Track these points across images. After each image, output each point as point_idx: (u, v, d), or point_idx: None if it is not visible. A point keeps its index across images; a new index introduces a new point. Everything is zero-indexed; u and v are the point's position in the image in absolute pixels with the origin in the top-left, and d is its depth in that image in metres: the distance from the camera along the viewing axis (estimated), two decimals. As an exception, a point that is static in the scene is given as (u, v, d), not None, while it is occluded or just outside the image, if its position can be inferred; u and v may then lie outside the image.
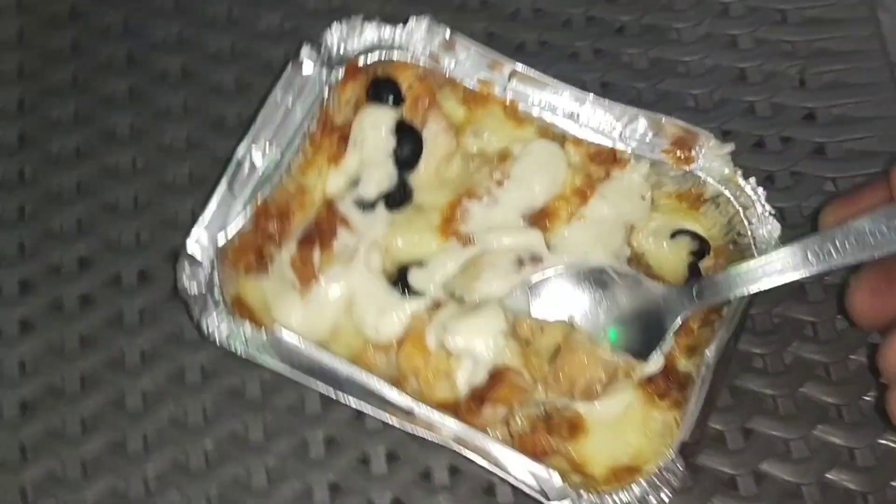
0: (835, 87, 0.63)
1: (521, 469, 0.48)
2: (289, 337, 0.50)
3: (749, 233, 0.53)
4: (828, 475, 0.53)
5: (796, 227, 0.57)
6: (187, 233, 0.52)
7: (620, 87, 0.62)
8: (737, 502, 0.52)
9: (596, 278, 0.52)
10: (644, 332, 0.51)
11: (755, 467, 0.53)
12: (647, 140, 0.55)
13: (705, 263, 0.54)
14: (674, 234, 0.55)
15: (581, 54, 0.64)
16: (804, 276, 0.46)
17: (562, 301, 0.52)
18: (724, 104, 0.62)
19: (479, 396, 0.50)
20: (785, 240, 0.51)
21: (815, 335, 0.56)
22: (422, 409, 0.48)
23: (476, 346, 0.50)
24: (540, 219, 0.54)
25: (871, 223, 0.44)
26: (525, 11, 0.66)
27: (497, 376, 0.50)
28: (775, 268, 0.47)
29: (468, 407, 0.50)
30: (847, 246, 0.45)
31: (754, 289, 0.48)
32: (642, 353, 0.50)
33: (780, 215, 0.53)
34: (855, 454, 0.53)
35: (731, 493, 0.52)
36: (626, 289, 0.52)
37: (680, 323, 0.50)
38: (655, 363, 0.50)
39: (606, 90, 0.62)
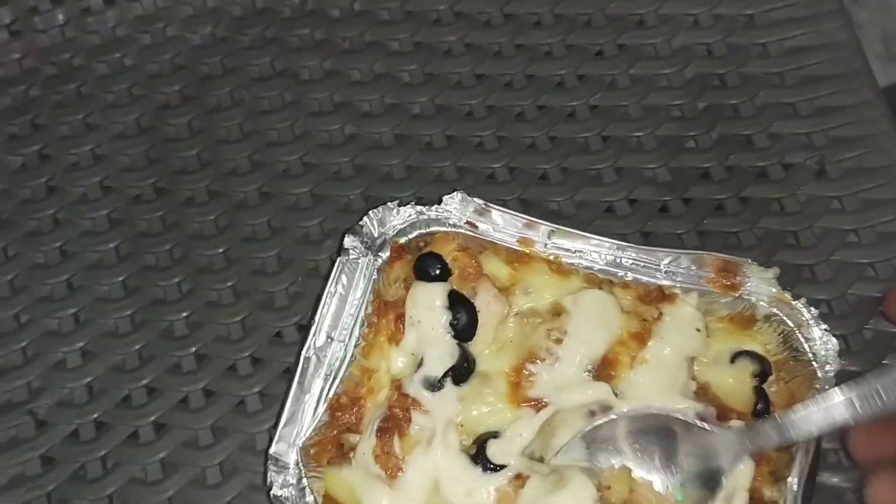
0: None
1: None
2: None
3: (806, 348, 0.54)
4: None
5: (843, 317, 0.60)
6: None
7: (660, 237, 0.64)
8: None
9: (648, 426, 0.53)
10: (704, 477, 0.52)
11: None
12: (692, 272, 0.56)
13: (771, 385, 0.55)
14: (733, 359, 0.56)
15: (616, 208, 0.65)
16: (851, 422, 0.48)
17: (616, 450, 0.54)
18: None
19: None
20: (842, 354, 0.54)
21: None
22: None
23: None
24: (604, 369, 0.55)
25: None
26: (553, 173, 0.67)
27: None
28: (822, 417, 0.49)
29: None
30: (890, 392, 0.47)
31: (803, 437, 0.50)
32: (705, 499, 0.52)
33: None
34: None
35: None
36: (679, 434, 0.53)
37: (741, 466, 0.52)
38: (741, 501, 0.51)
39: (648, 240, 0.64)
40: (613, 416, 0.54)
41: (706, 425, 0.53)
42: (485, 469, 0.53)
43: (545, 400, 0.54)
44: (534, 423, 0.54)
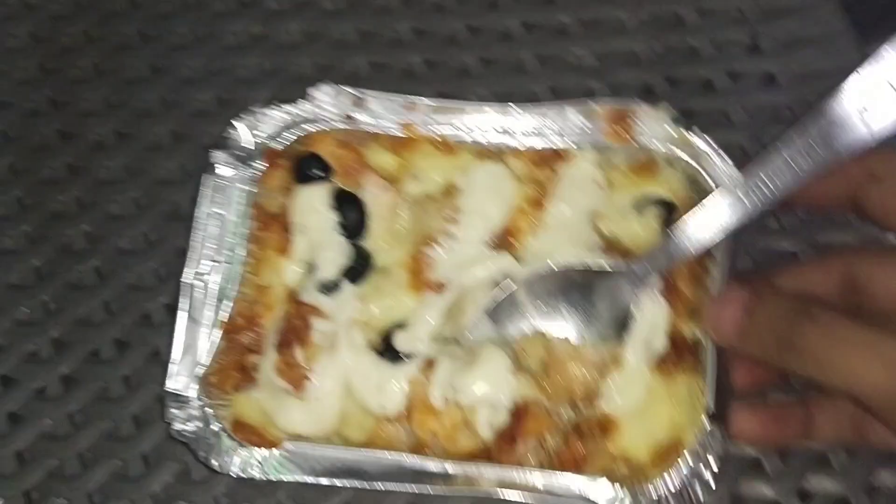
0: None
1: (569, 490, 0.47)
2: (301, 447, 0.48)
3: (711, 181, 0.52)
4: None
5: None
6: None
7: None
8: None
9: (550, 286, 0.51)
10: (619, 322, 0.50)
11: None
12: (585, 128, 0.53)
13: None
14: (640, 208, 0.53)
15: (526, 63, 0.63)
16: (744, 218, 0.46)
17: (523, 317, 0.51)
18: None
19: (509, 436, 0.49)
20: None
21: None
22: (458, 468, 0.47)
23: (491, 393, 0.49)
24: (504, 239, 0.53)
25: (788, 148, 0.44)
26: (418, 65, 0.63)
27: (521, 413, 0.49)
28: (714, 220, 0.47)
29: (499, 448, 0.49)
30: (775, 179, 0.45)
31: (700, 246, 0.47)
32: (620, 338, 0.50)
33: (742, 151, 0.53)
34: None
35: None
36: (582, 284, 0.51)
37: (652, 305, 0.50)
38: (660, 342, 0.49)
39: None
40: (512, 286, 0.51)
41: (604, 264, 0.51)
42: (393, 360, 0.51)
43: (448, 281, 0.52)
44: (439, 305, 0.51)
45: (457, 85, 0.62)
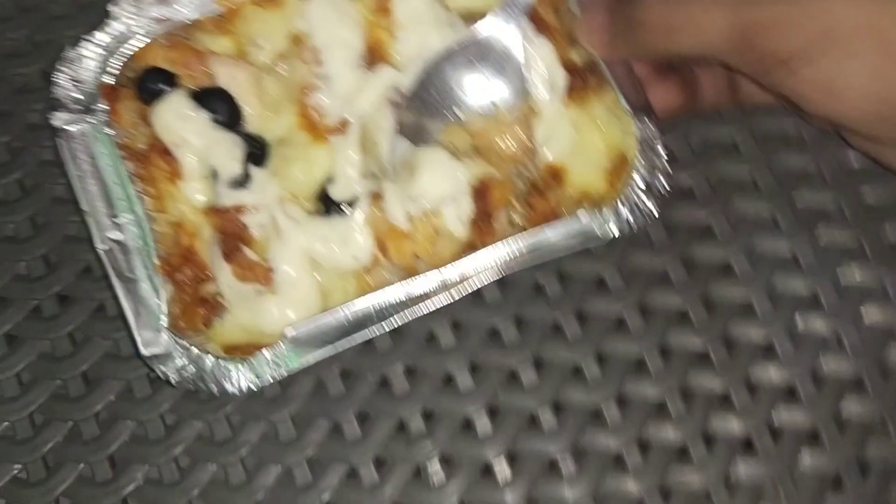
0: None
1: (556, 236, 0.49)
2: (303, 327, 0.48)
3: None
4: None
5: None
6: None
7: None
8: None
9: (435, 81, 0.52)
10: (517, 79, 0.52)
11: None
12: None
13: None
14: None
15: None
16: None
17: (431, 117, 0.52)
18: None
19: (483, 217, 0.50)
20: None
21: None
22: (454, 271, 0.49)
23: (448, 189, 0.50)
24: (374, 57, 0.53)
25: None
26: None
27: (482, 191, 0.50)
28: None
29: (479, 234, 0.50)
30: None
31: None
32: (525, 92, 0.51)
33: None
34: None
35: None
36: (465, 63, 0.52)
37: (531, 49, 0.51)
38: (559, 76, 0.52)
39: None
40: (396, 101, 0.52)
41: (476, 30, 0.51)
42: (340, 213, 0.51)
43: (345, 118, 0.51)
44: (350, 141, 0.51)
45: None
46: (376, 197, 0.51)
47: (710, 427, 0.52)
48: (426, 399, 0.53)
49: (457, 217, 0.50)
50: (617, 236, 0.49)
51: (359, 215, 0.51)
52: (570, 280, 0.55)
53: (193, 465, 0.53)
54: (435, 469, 0.52)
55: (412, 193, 0.50)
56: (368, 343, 0.52)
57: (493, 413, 0.53)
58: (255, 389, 0.48)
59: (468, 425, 0.53)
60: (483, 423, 0.53)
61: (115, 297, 0.49)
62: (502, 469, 0.52)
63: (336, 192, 0.51)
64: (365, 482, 0.52)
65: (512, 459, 0.52)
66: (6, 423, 0.53)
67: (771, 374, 0.53)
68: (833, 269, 0.55)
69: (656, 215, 0.49)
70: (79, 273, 0.56)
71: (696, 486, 0.51)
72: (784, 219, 0.56)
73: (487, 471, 0.52)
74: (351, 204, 0.51)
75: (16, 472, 0.53)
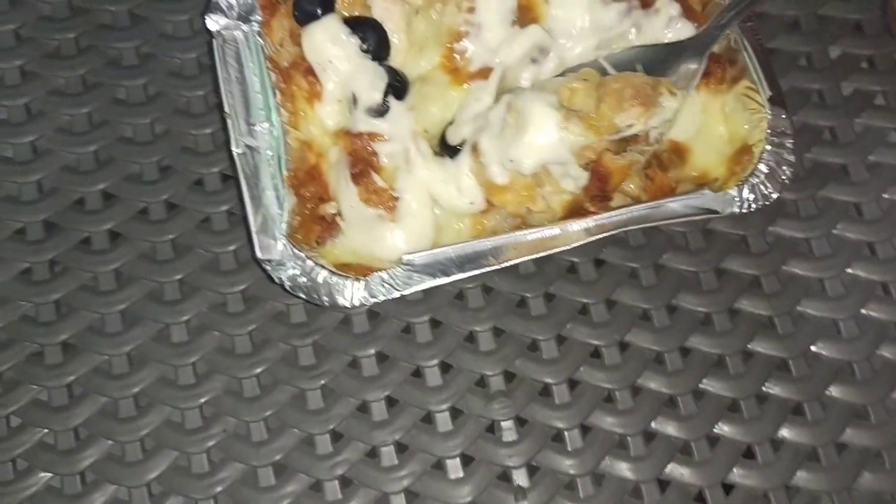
0: None
1: (680, 209, 0.50)
2: (419, 255, 0.49)
3: None
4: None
5: None
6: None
7: None
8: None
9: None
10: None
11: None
12: None
13: None
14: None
15: None
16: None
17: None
18: None
19: (601, 197, 0.52)
20: None
21: None
22: (571, 224, 0.49)
23: (549, 155, 0.51)
24: (525, 15, 0.54)
25: None
26: None
27: (600, 172, 0.51)
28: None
29: (595, 204, 0.51)
30: None
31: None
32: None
33: None
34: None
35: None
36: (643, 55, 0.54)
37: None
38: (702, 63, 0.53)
39: None
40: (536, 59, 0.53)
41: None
42: (452, 155, 0.52)
43: (489, 66, 0.53)
44: (489, 88, 0.52)
45: None
46: (475, 148, 0.51)
47: (779, 433, 0.52)
48: (508, 361, 0.53)
49: (568, 176, 0.51)
50: (738, 212, 0.50)
51: (464, 162, 0.51)
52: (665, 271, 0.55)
53: (274, 385, 0.53)
54: (507, 426, 0.52)
55: (513, 153, 0.50)
56: (461, 298, 0.54)
57: (572, 385, 0.53)
58: (367, 304, 0.49)
59: (546, 391, 0.53)
60: (561, 391, 0.53)
61: (241, 200, 0.50)
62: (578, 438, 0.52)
63: (449, 135, 0.52)
64: (439, 428, 0.52)
65: (585, 431, 0.52)
66: (96, 315, 0.54)
67: (845, 393, 0.53)
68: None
69: (774, 198, 0.50)
70: (190, 185, 0.56)
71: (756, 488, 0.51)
72: (882, 249, 0.56)
73: (560, 437, 0.52)
74: (460, 148, 0.52)
75: (100, 362, 0.53)
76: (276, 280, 0.49)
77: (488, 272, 0.49)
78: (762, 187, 0.51)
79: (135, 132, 0.57)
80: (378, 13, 0.54)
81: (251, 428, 0.51)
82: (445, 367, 0.53)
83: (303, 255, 0.49)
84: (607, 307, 0.54)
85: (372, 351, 0.53)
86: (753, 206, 0.50)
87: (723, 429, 0.52)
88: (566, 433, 0.52)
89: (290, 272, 0.49)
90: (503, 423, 0.52)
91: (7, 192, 0.56)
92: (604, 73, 0.53)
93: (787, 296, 0.55)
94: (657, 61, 0.53)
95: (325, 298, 0.49)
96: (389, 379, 0.52)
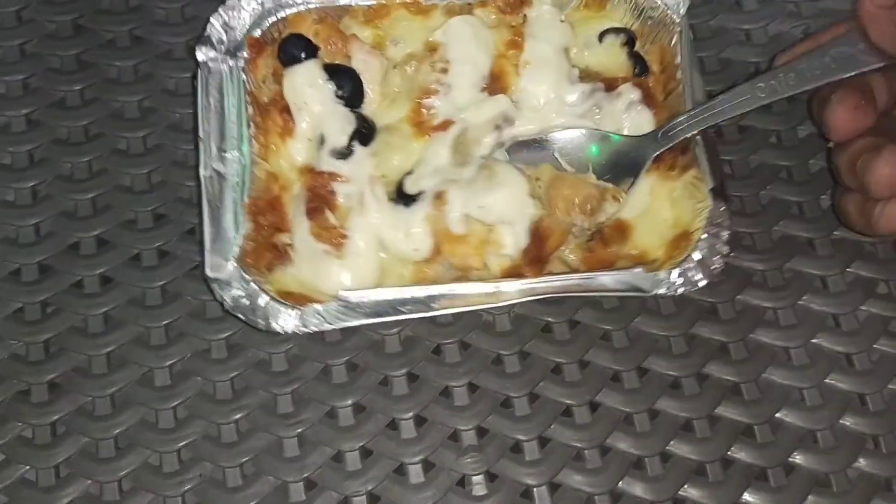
0: None
1: (611, 283, 0.51)
2: (357, 294, 0.50)
3: (658, 3, 0.58)
4: (854, 268, 0.57)
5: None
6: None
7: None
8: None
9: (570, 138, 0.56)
10: (620, 175, 0.55)
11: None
12: (538, -27, 0.58)
13: (639, 47, 0.59)
14: (601, 38, 0.58)
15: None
16: (754, 107, 0.52)
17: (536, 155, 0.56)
18: None
19: (536, 258, 0.53)
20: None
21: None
22: (502, 285, 0.51)
23: (513, 215, 0.53)
24: (495, 84, 0.56)
25: (814, 58, 0.51)
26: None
27: (538, 234, 0.53)
28: (728, 104, 0.53)
29: (530, 266, 0.53)
30: (791, 80, 0.51)
31: (710, 124, 0.53)
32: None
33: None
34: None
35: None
36: (596, 143, 0.56)
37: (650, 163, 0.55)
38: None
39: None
40: (500, 125, 0.56)
41: (610, 134, 0.56)
42: (406, 204, 0.53)
43: (452, 120, 0.55)
44: (447, 139, 0.54)
45: None
46: (439, 196, 0.53)
47: (743, 498, 0.52)
48: (481, 417, 0.53)
49: (513, 240, 0.52)
50: (660, 294, 0.51)
51: (420, 211, 0.53)
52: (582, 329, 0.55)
53: (251, 432, 0.53)
54: (478, 480, 0.52)
55: (482, 200, 0.52)
56: (437, 353, 0.54)
57: (542, 442, 0.53)
58: (299, 333, 0.50)
59: (517, 448, 0.53)
60: (532, 448, 0.53)
61: (201, 220, 0.52)
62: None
63: (408, 184, 0.54)
64: (411, 480, 0.52)
65: (554, 488, 0.52)
66: (81, 317, 0.55)
67: (808, 461, 0.53)
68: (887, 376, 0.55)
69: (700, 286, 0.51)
70: (182, 234, 0.58)
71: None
72: (846, 321, 0.56)
73: (528, 494, 0.52)
74: (416, 198, 0.53)
75: (84, 403, 0.54)
76: (219, 298, 0.50)
77: (420, 317, 0.51)
78: (690, 273, 0.51)
79: (132, 181, 0.59)
80: (357, 64, 0.56)
81: (227, 473, 0.52)
82: (420, 421, 0.53)
83: (249, 278, 0.51)
84: (580, 367, 0.54)
85: (350, 401, 0.53)
86: (680, 290, 0.51)
87: (689, 491, 0.51)
88: (535, 490, 0.51)
89: (235, 293, 0.50)
90: (474, 478, 0.52)
91: (6, 234, 0.57)
92: (560, 168, 0.56)
93: (753, 363, 0.55)
94: (612, 153, 0.55)
95: (262, 322, 0.50)
96: (365, 429, 0.53)
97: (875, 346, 0.55)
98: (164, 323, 0.55)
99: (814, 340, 0.55)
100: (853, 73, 0.51)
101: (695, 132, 0.54)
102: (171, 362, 0.54)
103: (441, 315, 0.51)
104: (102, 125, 0.60)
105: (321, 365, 0.54)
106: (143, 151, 0.60)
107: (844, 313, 0.56)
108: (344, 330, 0.53)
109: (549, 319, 0.55)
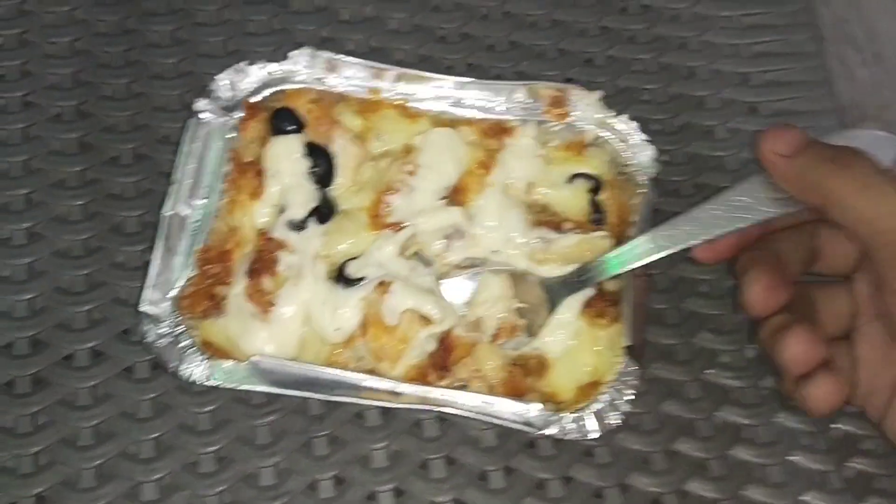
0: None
1: (505, 410, 0.52)
2: (266, 361, 0.53)
3: (632, 160, 0.60)
4: (764, 382, 0.58)
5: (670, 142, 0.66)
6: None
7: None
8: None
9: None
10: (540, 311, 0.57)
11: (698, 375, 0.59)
12: (527, 106, 0.61)
13: (603, 196, 0.61)
14: (571, 180, 0.61)
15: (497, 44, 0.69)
16: (655, 257, 0.53)
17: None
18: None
19: (440, 365, 0.55)
20: (661, 159, 0.60)
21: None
22: (404, 388, 0.53)
23: (428, 310, 0.55)
24: (455, 196, 0.59)
25: (714, 207, 0.52)
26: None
27: (445, 345, 0.55)
28: (636, 253, 0.54)
29: (436, 375, 0.55)
30: (689, 230, 0.52)
31: (620, 272, 0.54)
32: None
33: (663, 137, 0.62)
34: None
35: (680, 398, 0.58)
36: (518, 283, 0.58)
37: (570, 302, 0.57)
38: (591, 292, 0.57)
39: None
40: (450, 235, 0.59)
41: (536, 270, 0.58)
42: (346, 285, 0.56)
43: (404, 223, 0.58)
44: (396, 238, 0.57)
45: (432, 48, 0.69)
46: (383, 284, 0.55)
47: None
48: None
49: (423, 344, 0.55)
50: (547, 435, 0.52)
51: (358, 293, 0.55)
52: (457, 465, 0.56)
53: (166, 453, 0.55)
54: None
55: (415, 303, 0.55)
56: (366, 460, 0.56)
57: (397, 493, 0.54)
58: (199, 384, 0.53)
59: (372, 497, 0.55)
60: None
61: (151, 255, 0.56)
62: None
63: (351, 268, 0.56)
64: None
65: None
66: (72, 470, 0.55)
67: None
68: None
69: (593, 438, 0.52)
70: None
71: None
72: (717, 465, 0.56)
73: None
74: (357, 282, 0.56)
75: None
76: (142, 332, 0.53)
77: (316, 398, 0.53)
78: (584, 423, 0.52)
79: (129, 294, 0.59)
80: (336, 148, 0.60)
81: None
82: (339, 481, 0.55)
83: (179, 320, 0.54)
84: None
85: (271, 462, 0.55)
86: (569, 436, 0.52)
87: None
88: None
89: (161, 330, 0.53)
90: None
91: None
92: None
93: (625, 508, 0.55)
94: (551, 289, 0.57)
95: (172, 364, 0.53)
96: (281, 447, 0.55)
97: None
98: (154, 437, 0.56)
99: (682, 487, 0.55)
100: (752, 223, 0.51)
101: (605, 279, 0.55)
102: (159, 476, 0.55)
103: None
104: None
105: (246, 425, 0.56)
106: (139, 265, 0.59)
107: (773, 464, 0.56)
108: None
109: (478, 430, 0.56)
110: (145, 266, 0.57)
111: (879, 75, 0.70)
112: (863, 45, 0.71)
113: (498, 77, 0.67)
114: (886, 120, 0.68)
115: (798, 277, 0.52)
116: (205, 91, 0.60)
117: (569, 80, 0.67)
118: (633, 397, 0.53)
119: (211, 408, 0.56)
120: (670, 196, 0.64)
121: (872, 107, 0.70)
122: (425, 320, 0.55)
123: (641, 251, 0.54)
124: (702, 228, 0.52)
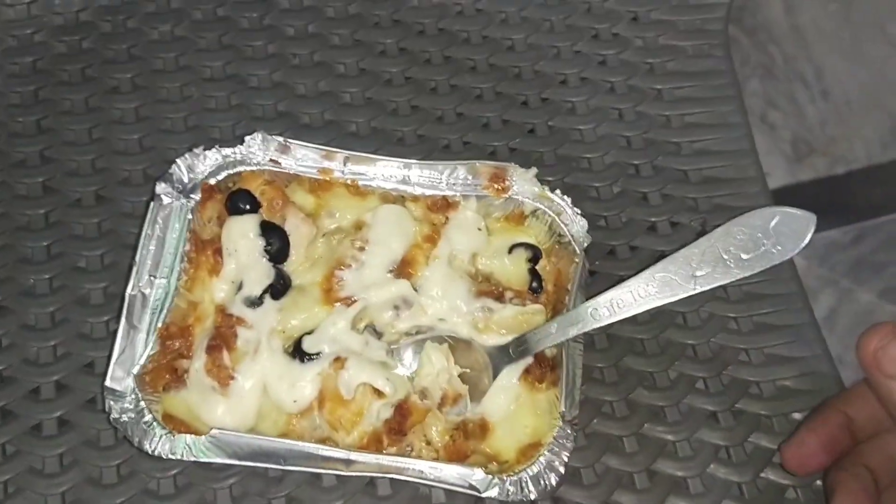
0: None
1: (450, 475, 0.56)
2: (225, 435, 0.56)
3: (567, 232, 0.64)
4: (699, 435, 0.62)
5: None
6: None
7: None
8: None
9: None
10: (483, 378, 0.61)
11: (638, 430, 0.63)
12: (469, 182, 0.65)
13: (542, 265, 0.65)
14: (511, 250, 0.64)
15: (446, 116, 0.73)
16: (591, 328, 0.57)
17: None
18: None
19: (397, 430, 0.59)
20: (598, 224, 0.66)
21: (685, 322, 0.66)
22: (358, 457, 0.56)
23: (380, 385, 0.59)
24: (403, 268, 0.63)
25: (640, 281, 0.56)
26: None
27: (402, 410, 0.59)
28: (569, 325, 0.58)
29: (389, 440, 0.58)
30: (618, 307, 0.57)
31: (558, 341, 0.58)
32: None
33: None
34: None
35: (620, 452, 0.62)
36: (463, 349, 0.61)
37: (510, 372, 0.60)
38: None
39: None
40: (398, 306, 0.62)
41: (479, 339, 0.62)
42: (302, 360, 0.59)
43: (354, 298, 0.61)
44: (348, 313, 0.60)
45: (385, 120, 0.73)
46: (339, 360, 0.59)
47: None
48: None
49: (377, 413, 0.58)
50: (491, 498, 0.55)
51: (314, 368, 0.59)
52: None
53: None
54: None
55: (372, 376, 0.58)
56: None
57: None
58: (163, 457, 0.56)
59: None
60: None
61: (117, 332, 0.59)
62: None
63: (307, 343, 0.59)
64: None
65: None
66: None
67: None
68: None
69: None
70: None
71: None
72: None
73: None
74: (314, 356, 0.59)
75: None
76: (107, 408, 0.56)
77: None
78: (524, 485, 0.56)
79: (94, 364, 0.63)
80: (289, 227, 0.64)
81: None
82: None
83: (140, 395, 0.57)
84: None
85: (227, 484, 0.58)
86: (512, 497, 0.55)
87: None
88: None
89: (124, 405, 0.56)
90: None
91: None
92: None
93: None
94: (493, 356, 0.61)
95: (137, 439, 0.56)
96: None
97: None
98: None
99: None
100: (677, 300, 0.55)
101: (545, 347, 0.59)
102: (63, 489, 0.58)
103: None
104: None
105: (207, 488, 0.59)
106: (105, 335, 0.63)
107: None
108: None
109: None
110: (112, 336, 0.60)
111: (827, 112, 0.75)
112: (811, 83, 0.76)
113: (447, 147, 0.72)
114: (834, 154, 0.73)
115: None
116: (164, 175, 0.63)
117: (513, 150, 0.72)
118: (568, 456, 0.57)
119: (174, 472, 0.60)
120: (607, 259, 0.68)
121: (821, 141, 0.75)
122: (379, 393, 0.59)
123: (577, 324, 0.58)
124: (622, 309, 0.57)
